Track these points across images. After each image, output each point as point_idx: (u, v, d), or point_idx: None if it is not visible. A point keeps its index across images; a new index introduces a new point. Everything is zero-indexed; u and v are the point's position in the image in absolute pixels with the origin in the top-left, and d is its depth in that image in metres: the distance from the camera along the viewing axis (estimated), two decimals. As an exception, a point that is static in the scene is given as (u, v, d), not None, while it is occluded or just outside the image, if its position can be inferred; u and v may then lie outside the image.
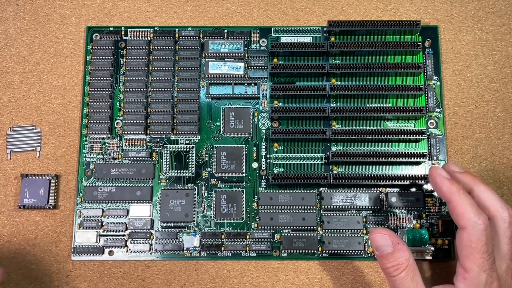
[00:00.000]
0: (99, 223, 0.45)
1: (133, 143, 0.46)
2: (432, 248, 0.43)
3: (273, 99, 0.47)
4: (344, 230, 0.44)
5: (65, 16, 0.49)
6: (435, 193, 0.45)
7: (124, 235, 0.44)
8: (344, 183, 0.44)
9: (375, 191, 0.44)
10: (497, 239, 0.36)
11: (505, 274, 0.35)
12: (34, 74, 0.48)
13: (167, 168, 0.46)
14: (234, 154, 0.46)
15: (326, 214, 0.44)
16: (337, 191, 0.44)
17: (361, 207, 0.44)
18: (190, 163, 0.46)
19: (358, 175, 0.44)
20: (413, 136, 0.44)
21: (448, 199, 0.35)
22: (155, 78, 0.47)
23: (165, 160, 0.46)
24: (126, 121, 0.46)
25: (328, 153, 0.45)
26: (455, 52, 0.48)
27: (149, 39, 0.48)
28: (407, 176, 0.44)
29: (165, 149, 0.46)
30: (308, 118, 0.46)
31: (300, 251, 0.44)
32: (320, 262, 0.44)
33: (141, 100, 0.47)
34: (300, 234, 0.44)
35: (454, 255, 0.44)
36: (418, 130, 0.44)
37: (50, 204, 0.45)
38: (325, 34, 0.48)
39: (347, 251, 0.43)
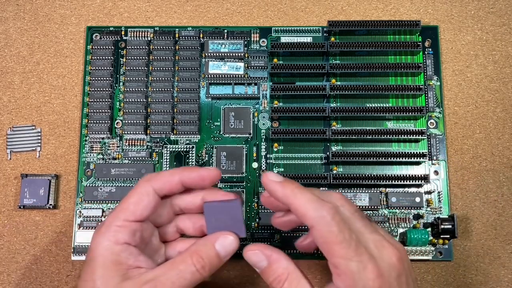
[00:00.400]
0: (99, 223, 0.44)
1: (133, 143, 0.46)
2: (432, 248, 0.43)
3: (273, 99, 0.47)
4: (344, 230, 0.44)
5: (65, 16, 0.49)
6: (435, 193, 0.45)
7: (124, 235, 0.44)
8: (344, 183, 0.44)
9: (375, 191, 0.44)
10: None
11: (376, 250, 0.32)
12: (34, 74, 0.48)
13: (167, 168, 0.46)
14: (234, 154, 0.46)
15: (326, 214, 0.44)
16: (337, 191, 0.44)
17: (361, 207, 0.44)
18: (190, 163, 0.46)
19: (358, 175, 0.44)
20: (413, 136, 0.44)
21: (286, 203, 0.32)
22: (155, 78, 0.47)
23: (165, 160, 0.46)
24: (126, 121, 0.46)
25: (328, 153, 0.45)
26: (455, 52, 0.48)
27: (149, 39, 0.48)
28: (407, 176, 0.44)
29: (165, 149, 0.46)
30: (308, 118, 0.46)
31: (300, 251, 0.44)
32: (320, 262, 0.44)
33: (141, 100, 0.47)
34: (300, 234, 0.44)
35: (454, 255, 0.44)
36: (418, 130, 0.44)
37: (50, 204, 0.45)
38: (325, 34, 0.48)
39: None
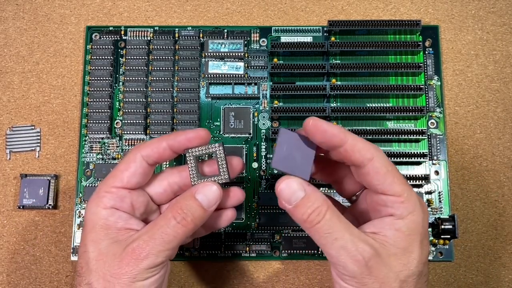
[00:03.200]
0: None
1: (132, 143, 0.46)
2: (433, 249, 0.43)
3: (273, 99, 0.47)
4: (344, 230, 0.44)
5: (64, 16, 0.49)
6: (435, 193, 0.45)
7: (123, 235, 0.44)
8: (344, 183, 0.44)
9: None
10: None
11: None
12: (33, 74, 0.48)
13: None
14: (234, 154, 0.45)
15: (326, 214, 0.44)
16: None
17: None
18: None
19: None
20: (413, 136, 0.44)
21: (341, 140, 0.30)
22: (154, 78, 0.47)
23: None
24: (126, 121, 0.46)
25: (328, 153, 0.45)
26: (455, 51, 0.48)
27: (148, 38, 0.48)
28: (408, 176, 0.44)
29: (165, 149, 0.46)
30: (308, 118, 0.46)
31: (300, 251, 0.44)
32: (320, 262, 0.44)
33: (141, 100, 0.47)
34: (300, 235, 0.44)
35: (454, 256, 0.44)
36: (419, 130, 0.44)
37: (50, 204, 0.45)
38: (325, 34, 0.48)
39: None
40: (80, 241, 0.33)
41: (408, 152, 0.44)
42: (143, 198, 0.34)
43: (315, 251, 0.44)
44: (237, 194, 0.36)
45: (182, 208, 0.31)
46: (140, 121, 0.46)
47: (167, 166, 0.46)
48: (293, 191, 0.30)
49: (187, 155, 0.33)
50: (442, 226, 0.43)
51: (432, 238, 0.44)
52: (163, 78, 0.47)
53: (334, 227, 0.29)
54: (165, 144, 0.33)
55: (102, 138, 0.46)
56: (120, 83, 0.47)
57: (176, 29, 0.48)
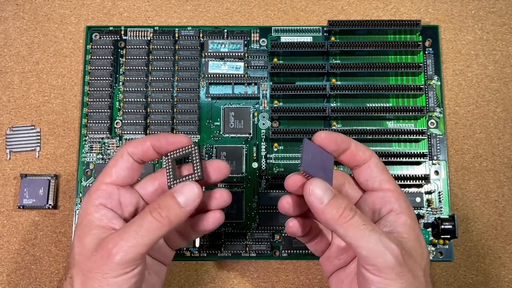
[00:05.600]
0: None
1: (132, 143, 0.46)
2: (433, 249, 0.43)
3: (273, 99, 0.47)
4: (344, 230, 0.44)
5: (64, 16, 0.49)
6: (435, 193, 0.45)
7: (123, 235, 0.44)
8: (344, 183, 0.44)
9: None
10: None
11: None
12: (33, 74, 0.48)
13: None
14: (234, 154, 0.45)
15: (326, 214, 0.44)
16: (337, 191, 0.44)
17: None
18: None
19: (358, 175, 0.44)
20: (413, 136, 0.44)
21: (347, 145, 0.33)
22: (154, 78, 0.47)
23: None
24: (126, 121, 0.46)
25: (328, 153, 0.45)
26: (455, 51, 0.48)
27: (148, 38, 0.48)
28: (408, 176, 0.44)
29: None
30: (308, 118, 0.46)
31: (300, 251, 0.44)
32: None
33: (141, 100, 0.47)
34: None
35: (454, 256, 0.44)
36: (419, 130, 0.44)
37: (50, 204, 0.45)
38: (325, 34, 0.48)
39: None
40: None
41: (408, 152, 0.44)
42: (132, 197, 0.34)
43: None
44: (223, 196, 0.36)
45: (160, 204, 0.32)
46: (140, 121, 0.46)
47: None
48: (324, 190, 0.31)
49: (163, 158, 0.35)
50: (442, 226, 0.43)
51: (432, 238, 0.44)
52: (163, 78, 0.47)
53: (368, 219, 0.30)
54: (148, 143, 0.34)
55: (102, 138, 0.46)
56: (120, 83, 0.47)
57: (176, 29, 0.48)
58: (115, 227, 0.32)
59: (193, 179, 0.33)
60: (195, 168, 0.34)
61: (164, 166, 0.34)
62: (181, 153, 0.34)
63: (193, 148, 0.34)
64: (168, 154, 0.34)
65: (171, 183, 0.34)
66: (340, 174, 0.35)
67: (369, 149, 0.34)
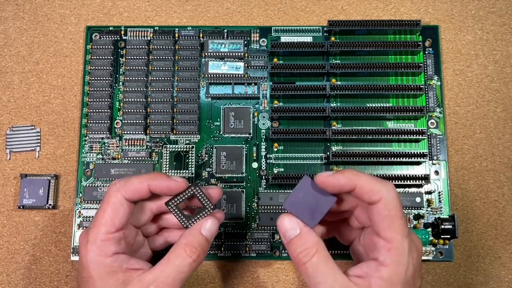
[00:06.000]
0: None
1: (132, 143, 0.46)
2: (433, 248, 0.43)
3: (273, 99, 0.47)
4: (344, 230, 0.44)
5: (64, 16, 0.49)
6: (435, 193, 0.45)
7: (123, 235, 0.44)
8: (344, 183, 0.44)
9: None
10: None
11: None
12: (33, 74, 0.48)
13: (167, 168, 0.46)
14: (234, 154, 0.45)
15: (326, 214, 0.44)
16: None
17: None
18: (190, 163, 0.46)
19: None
20: (413, 136, 0.44)
21: (351, 186, 0.33)
22: (154, 78, 0.47)
23: (165, 160, 0.46)
24: (126, 121, 0.46)
25: (328, 153, 0.45)
26: (455, 51, 0.48)
27: (148, 38, 0.48)
28: (408, 176, 0.44)
29: (165, 149, 0.46)
30: (308, 118, 0.46)
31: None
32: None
33: (141, 100, 0.47)
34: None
35: (454, 255, 0.44)
36: (419, 130, 0.44)
37: (50, 204, 0.45)
38: (325, 34, 0.48)
39: (348, 251, 0.43)
40: (83, 286, 0.34)
41: (408, 152, 0.44)
42: (133, 231, 0.36)
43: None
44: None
45: (195, 246, 0.34)
46: (140, 121, 0.46)
47: (168, 166, 0.46)
48: (290, 228, 0.33)
49: (169, 208, 0.36)
50: (442, 226, 0.43)
51: (432, 238, 0.44)
52: (163, 78, 0.47)
53: (319, 271, 0.32)
54: (146, 186, 0.35)
55: (102, 138, 0.46)
56: (120, 83, 0.47)
57: (176, 29, 0.48)
58: (135, 266, 0.34)
59: (207, 214, 0.36)
60: (204, 203, 0.36)
61: (171, 212, 0.36)
62: (184, 197, 0.36)
63: (194, 190, 0.36)
64: (170, 202, 0.36)
65: (187, 224, 0.36)
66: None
67: (380, 190, 0.32)
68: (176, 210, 0.36)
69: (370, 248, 0.33)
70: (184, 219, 0.36)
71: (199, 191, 0.36)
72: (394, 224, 0.32)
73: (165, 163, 0.46)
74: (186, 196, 0.36)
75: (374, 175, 0.43)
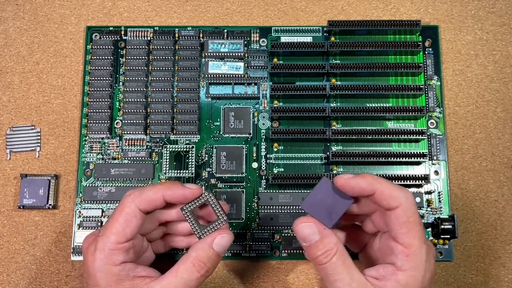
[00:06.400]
0: (99, 223, 0.44)
1: (132, 143, 0.46)
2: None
3: (273, 99, 0.47)
4: (344, 230, 0.44)
5: (64, 16, 0.49)
6: (435, 193, 0.45)
7: (123, 235, 0.44)
8: (344, 183, 0.44)
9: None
10: None
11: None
12: (33, 74, 0.48)
13: (167, 168, 0.46)
14: (234, 154, 0.45)
15: (326, 214, 0.44)
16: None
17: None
18: (190, 163, 0.46)
19: (358, 175, 0.44)
20: (413, 136, 0.44)
21: (371, 191, 0.33)
22: (155, 78, 0.47)
23: (165, 160, 0.46)
24: (126, 121, 0.46)
25: (328, 153, 0.45)
26: (455, 52, 0.48)
27: (148, 39, 0.48)
28: (407, 176, 0.44)
29: (165, 149, 0.46)
30: (308, 118, 0.46)
31: (300, 251, 0.44)
32: (320, 262, 0.44)
33: (141, 100, 0.47)
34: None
35: (454, 255, 0.44)
36: (418, 130, 0.44)
37: (50, 204, 0.45)
38: (325, 34, 0.48)
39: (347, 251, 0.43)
40: None
41: (408, 152, 0.44)
42: (139, 240, 0.36)
43: (315, 251, 0.44)
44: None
45: (204, 261, 0.34)
46: (140, 121, 0.46)
47: (168, 166, 0.46)
48: (309, 233, 0.34)
49: (183, 213, 0.36)
50: (442, 226, 0.43)
51: (432, 238, 0.44)
52: (163, 78, 0.47)
53: (337, 269, 0.33)
54: (161, 197, 0.35)
55: (102, 138, 0.46)
56: (120, 83, 0.47)
57: (176, 29, 0.48)
58: (141, 274, 0.34)
59: (221, 225, 0.36)
60: (217, 213, 0.36)
61: (186, 219, 0.36)
62: (198, 203, 0.36)
63: (208, 196, 0.36)
64: (184, 207, 0.36)
65: (200, 234, 0.36)
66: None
67: (399, 197, 0.32)
68: (190, 217, 0.36)
69: (387, 253, 0.34)
70: (197, 228, 0.36)
71: (212, 199, 0.36)
72: (413, 230, 0.32)
73: (165, 163, 0.46)
74: (199, 202, 0.36)
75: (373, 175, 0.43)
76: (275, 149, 0.46)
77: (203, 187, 0.36)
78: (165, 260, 0.44)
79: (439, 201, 0.45)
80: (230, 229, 0.39)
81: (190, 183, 0.37)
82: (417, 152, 0.44)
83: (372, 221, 0.36)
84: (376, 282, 0.32)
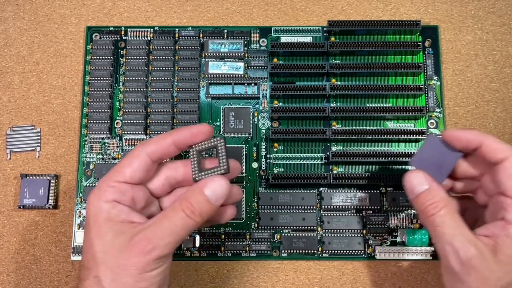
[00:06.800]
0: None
1: (133, 143, 0.46)
2: (432, 248, 0.43)
3: (273, 99, 0.47)
4: (344, 230, 0.44)
5: (64, 16, 0.49)
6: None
7: (124, 235, 0.44)
8: (344, 183, 0.44)
9: (375, 191, 0.44)
10: None
11: None
12: (33, 74, 0.48)
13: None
14: (234, 154, 0.45)
15: (326, 214, 0.44)
16: (337, 191, 0.44)
17: (361, 207, 0.44)
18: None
19: (358, 175, 0.44)
20: (413, 136, 0.44)
21: (478, 143, 0.33)
22: (155, 78, 0.47)
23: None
24: (126, 121, 0.46)
25: (328, 153, 0.45)
26: (455, 52, 0.48)
27: (149, 39, 0.48)
28: (407, 176, 0.44)
29: (165, 149, 0.46)
30: (308, 118, 0.46)
31: (300, 251, 0.44)
32: (320, 262, 0.44)
33: (141, 100, 0.47)
34: (300, 234, 0.44)
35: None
36: (418, 130, 0.44)
37: (50, 204, 0.45)
38: (325, 34, 0.48)
39: (347, 251, 0.43)
40: (84, 235, 0.33)
41: (408, 152, 0.44)
42: (144, 193, 0.34)
43: (315, 251, 0.44)
44: (237, 192, 0.37)
45: (192, 202, 0.32)
46: (140, 121, 0.46)
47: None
48: (417, 183, 0.34)
49: (190, 150, 0.34)
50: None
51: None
52: (163, 78, 0.47)
53: (446, 222, 0.33)
54: (170, 140, 0.34)
55: (102, 138, 0.46)
56: (120, 83, 0.47)
57: (176, 29, 0.48)
58: (135, 220, 0.33)
59: (219, 172, 0.34)
60: (221, 161, 0.34)
61: (190, 159, 0.34)
62: (207, 145, 0.35)
63: (219, 141, 0.34)
64: (193, 146, 0.34)
65: (197, 175, 0.34)
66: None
67: (505, 150, 0.33)
68: (195, 158, 0.34)
69: (496, 211, 0.33)
70: (196, 170, 0.34)
71: (222, 145, 0.34)
72: None
73: (165, 163, 0.46)
74: (208, 144, 0.34)
75: (371, 175, 0.43)
76: (275, 149, 0.46)
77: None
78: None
79: (439, 201, 0.45)
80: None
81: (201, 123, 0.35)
82: (417, 152, 0.44)
83: (483, 189, 0.36)
84: (485, 240, 0.32)
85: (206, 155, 0.34)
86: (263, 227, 0.44)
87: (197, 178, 0.34)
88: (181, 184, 0.36)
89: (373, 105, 0.46)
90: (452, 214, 0.33)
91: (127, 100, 0.47)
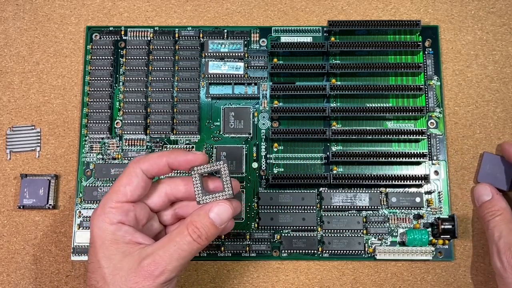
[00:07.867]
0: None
1: (132, 143, 0.46)
2: (432, 248, 0.43)
3: (273, 99, 0.47)
4: (344, 230, 0.44)
5: (64, 16, 0.49)
6: (435, 193, 0.45)
7: (123, 235, 0.44)
8: (344, 183, 0.44)
9: (375, 191, 0.44)
10: None
11: None
12: (33, 74, 0.48)
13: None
14: (234, 154, 0.45)
15: (326, 214, 0.44)
16: (337, 191, 0.44)
17: (361, 207, 0.44)
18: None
19: (358, 175, 0.44)
20: (413, 136, 0.44)
21: None
22: (155, 78, 0.47)
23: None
24: (126, 121, 0.46)
25: (328, 153, 0.45)
26: (455, 52, 0.48)
27: (148, 39, 0.48)
28: (407, 176, 0.44)
29: (165, 149, 0.46)
30: (308, 118, 0.46)
31: (300, 251, 0.44)
32: (320, 262, 0.44)
33: (141, 100, 0.47)
34: (300, 234, 0.44)
35: (454, 255, 0.44)
36: (418, 130, 0.44)
37: (50, 204, 0.45)
38: (325, 34, 0.48)
39: (347, 251, 0.43)
40: (89, 254, 0.34)
41: (408, 152, 0.44)
42: (145, 210, 0.36)
43: (315, 251, 0.44)
44: (237, 206, 0.37)
45: (198, 226, 0.34)
46: (140, 121, 0.46)
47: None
48: (482, 193, 0.43)
49: (192, 172, 0.35)
50: (442, 226, 0.43)
51: (432, 238, 0.44)
52: (163, 78, 0.47)
53: (498, 227, 0.41)
54: (164, 161, 0.35)
55: (102, 138, 0.46)
56: (120, 83, 0.47)
57: (176, 29, 0.48)
58: (139, 240, 0.34)
59: (224, 197, 0.35)
60: (225, 185, 0.35)
61: (192, 180, 0.35)
62: (209, 169, 0.35)
63: (222, 166, 0.35)
64: (195, 168, 0.35)
65: (201, 199, 0.35)
66: None
67: None
68: (198, 180, 0.35)
69: None
70: (200, 193, 0.35)
71: (225, 169, 0.35)
72: None
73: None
74: (211, 168, 0.35)
75: (373, 175, 0.43)
76: (275, 149, 0.46)
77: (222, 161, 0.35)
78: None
79: (439, 201, 0.45)
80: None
81: (197, 151, 0.36)
82: (417, 152, 0.44)
83: None
84: None
85: (206, 173, 0.35)
86: (263, 227, 0.44)
87: (201, 202, 0.35)
88: (180, 200, 0.37)
89: (373, 105, 0.46)
90: (504, 221, 0.41)
91: (127, 100, 0.47)
